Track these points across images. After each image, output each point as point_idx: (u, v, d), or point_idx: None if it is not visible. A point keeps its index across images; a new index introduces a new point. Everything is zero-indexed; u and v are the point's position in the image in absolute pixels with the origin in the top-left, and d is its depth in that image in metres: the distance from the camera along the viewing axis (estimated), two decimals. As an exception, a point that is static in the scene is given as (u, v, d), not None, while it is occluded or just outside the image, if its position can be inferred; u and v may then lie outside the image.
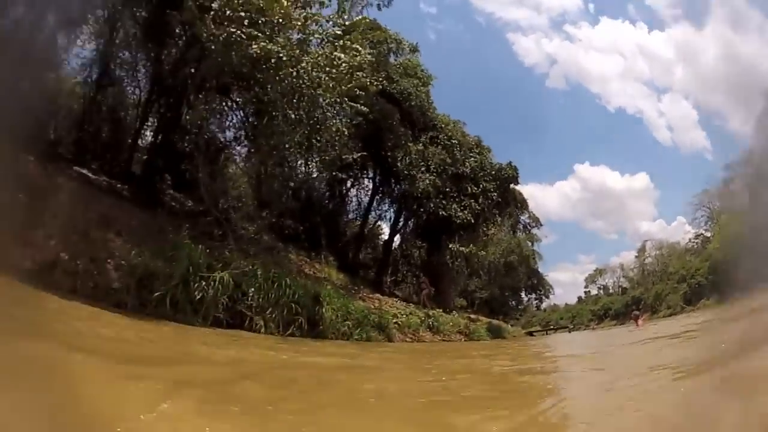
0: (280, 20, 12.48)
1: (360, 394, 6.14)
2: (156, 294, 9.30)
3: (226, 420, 4.12)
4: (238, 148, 18.46)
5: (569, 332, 48.46)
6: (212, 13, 11.84)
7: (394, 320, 15.72)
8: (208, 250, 10.93)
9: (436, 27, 70.48)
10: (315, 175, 20.43)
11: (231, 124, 17.55)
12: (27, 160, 10.10)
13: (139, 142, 18.01)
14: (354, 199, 26.93)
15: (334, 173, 19.66)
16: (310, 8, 13.57)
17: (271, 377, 6.60)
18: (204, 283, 9.97)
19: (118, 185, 14.98)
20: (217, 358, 7.42)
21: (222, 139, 17.95)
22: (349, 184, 25.93)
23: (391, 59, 23.71)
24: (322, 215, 23.45)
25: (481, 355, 14.18)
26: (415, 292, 23.88)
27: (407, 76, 23.91)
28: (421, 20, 63.27)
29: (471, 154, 25.66)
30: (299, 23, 12.88)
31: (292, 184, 17.86)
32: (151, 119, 17.70)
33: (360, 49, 14.18)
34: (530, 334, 42.00)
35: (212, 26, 11.70)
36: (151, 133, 17.74)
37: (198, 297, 9.80)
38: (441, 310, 20.48)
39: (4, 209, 8.47)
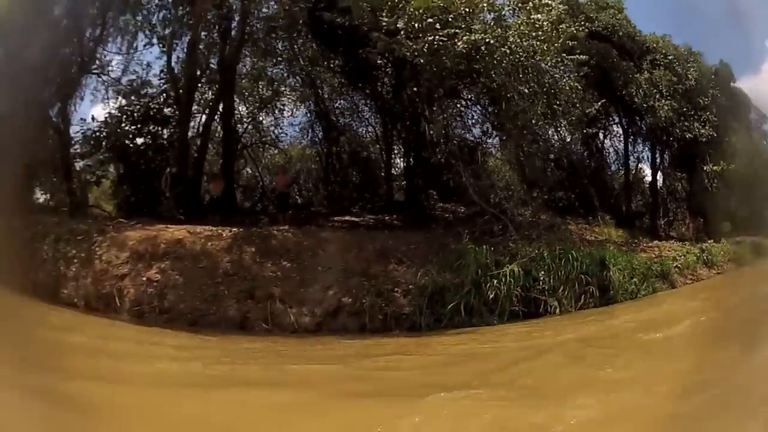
0: (466, 9, 12.37)
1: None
2: (449, 306, 9.65)
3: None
4: (490, 141, 18.42)
5: None
6: (401, 33, 12.13)
7: (674, 264, 14.62)
8: (492, 248, 11.11)
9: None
10: (569, 140, 19.63)
11: (474, 121, 17.70)
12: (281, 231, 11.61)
13: (393, 171, 19.30)
14: (611, 150, 25.07)
15: (584, 131, 18.44)
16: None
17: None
18: (495, 281, 10.10)
19: (386, 218, 16.07)
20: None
21: (471, 138, 18.12)
22: (601, 136, 24.23)
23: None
24: (588, 176, 22.32)
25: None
26: (685, 228, 21.55)
27: (601, 9, 21.89)
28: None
29: (688, 65, 22.43)
30: (485, 3, 12.62)
31: (551, 156, 17.40)
32: (395, 147, 18.93)
33: (550, 2, 13.47)
34: None
35: (409, 43, 11.94)
36: (401, 159, 19.00)
37: (491, 296, 9.95)
38: (711, 241, 18.25)
39: (266, 281, 9.82)
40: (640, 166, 26.15)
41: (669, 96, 21.09)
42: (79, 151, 16.12)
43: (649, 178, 25.57)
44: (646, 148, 24.70)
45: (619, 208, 23.10)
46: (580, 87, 15.36)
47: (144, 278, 10.11)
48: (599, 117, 21.24)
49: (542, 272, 10.76)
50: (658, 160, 24.63)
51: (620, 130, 24.19)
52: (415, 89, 14.71)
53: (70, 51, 16.09)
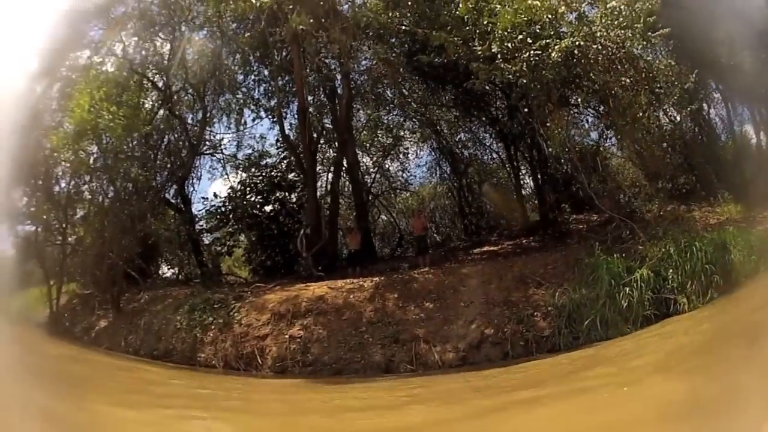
0: (549, 16, 12.36)
1: None
2: (586, 322, 9.64)
3: None
4: (608, 142, 18.57)
5: None
6: (498, 57, 12.23)
7: None
8: (623, 255, 10.97)
9: None
10: (678, 119, 18.74)
11: (589, 125, 17.91)
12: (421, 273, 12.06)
13: (523, 192, 19.77)
14: (717, 119, 23.46)
15: (689, 108, 17.89)
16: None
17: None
18: (627, 288, 9.96)
19: (523, 241, 16.45)
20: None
21: (590, 143, 18.28)
22: (705, 107, 22.60)
23: None
24: (702, 154, 21.22)
25: None
26: None
27: None
28: None
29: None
30: (562, 8, 12.58)
31: (666, 142, 16.54)
32: (521, 168, 19.31)
33: None
34: None
35: (507, 65, 12.00)
36: (530, 178, 19.30)
37: (625, 305, 9.81)
38: None
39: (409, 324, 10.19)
40: (744, 129, 24.98)
41: (749, 46, 19.34)
42: (205, 226, 17.04)
43: (754, 140, 23.86)
44: (745, 109, 23.13)
45: (735, 180, 21.19)
46: (673, 62, 15.09)
47: (287, 336, 10.56)
48: (698, 88, 19.94)
49: (670, 270, 10.51)
50: (757, 119, 22.91)
51: (720, 96, 22.91)
52: (526, 110, 14.81)
53: (176, 137, 16.97)
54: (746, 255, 11.55)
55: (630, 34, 12.66)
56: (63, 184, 15.11)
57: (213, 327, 11.46)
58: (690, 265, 10.61)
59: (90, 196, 15.22)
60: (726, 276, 10.84)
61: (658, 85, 14.00)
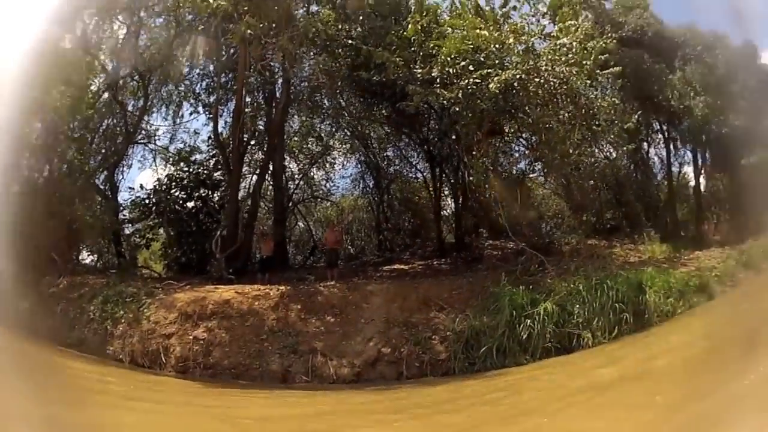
0: (497, 46, 12.56)
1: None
2: (482, 349, 9.87)
3: None
4: (533, 174, 18.75)
5: None
6: (437, 81, 12.41)
7: (713, 274, 13.92)
8: (530, 287, 11.24)
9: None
10: (614, 156, 19.28)
11: (519, 154, 17.99)
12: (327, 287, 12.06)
13: (443, 213, 19.71)
14: (655, 159, 24.34)
15: (628, 146, 18.17)
16: (510, 18, 13.45)
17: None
18: (529, 320, 10.16)
19: (435, 262, 16.49)
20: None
21: (517, 172, 18.38)
22: (645, 146, 23.59)
23: (607, 5, 21.51)
24: (635, 191, 21.85)
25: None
26: (709, 230, 20.70)
27: (628, 11, 21.49)
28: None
29: (717, 53, 21.64)
30: (510, 40, 12.70)
31: (595, 178, 17.38)
32: (444, 189, 19.43)
33: (573, 22, 13.33)
34: None
35: (444, 91, 12.17)
36: (451, 200, 19.45)
37: (525, 336, 10.01)
38: (751, 240, 17.09)
39: (308, 336, 10.30)
40: (683, 171, 25.43)
41: (704, 92, 20.29)
42: (128, 216, 16.77)
43: (693, 183, 24.58)
44: (688, 151, 23.90)
45: (664, 220, 22.43)
46: (618, 101, 15.34)
47: (191, 337, 10.58)
48: (640, 128, 20.73)
49: (577, 306, 10.69)
50: (699, 163, 23.70)
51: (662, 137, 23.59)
52: (453, 137, 14.96)
53: (114, 122, 16.71)
54: (663, 296, 11.83)
55: (576, 71, 12.80)
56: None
57: (123, 321, 11.35)
58: (599, 302, 10.78)
59: (27, 173, 14.82)
60: (638, 315, 11.08)
61: (597, 122, 14.22)
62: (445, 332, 10.33)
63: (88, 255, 17.25)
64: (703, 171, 24.07)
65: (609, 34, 15.36)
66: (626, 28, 20.40)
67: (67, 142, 14.63)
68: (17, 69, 14.70)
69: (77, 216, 14.57)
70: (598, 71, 13.60)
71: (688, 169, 24.95)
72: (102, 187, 16.97)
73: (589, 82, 13.78)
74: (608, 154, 18.49)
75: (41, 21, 15.21)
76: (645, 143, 23.46)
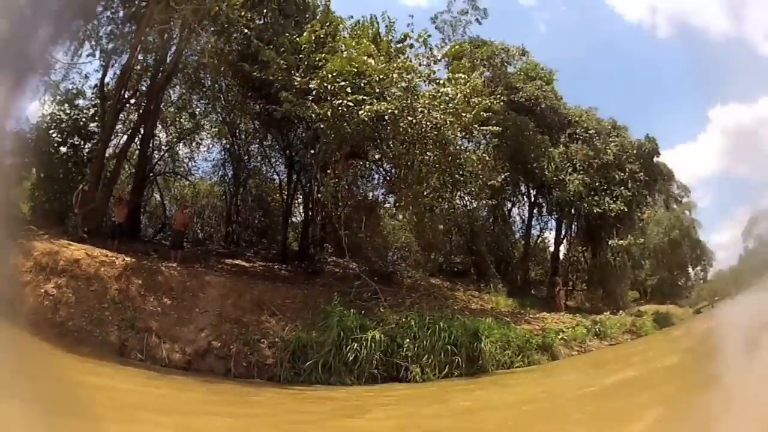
0: (380, 76, 12.99)
1: None
2: (308, 362, 10.13)
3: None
4: (388, 204, 19.17)
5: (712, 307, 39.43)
6: (313, 93, 12.71)
7: (560, 336, 15.07)
8: (363, 312, 11.62)
9: (542, 17, 63.91)
10: (474, 206, 20.03)
11: (378, 182, 18.50)
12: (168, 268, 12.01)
13: (291, 219, 19.89)
14: (517, 218, 26.37)
15: (488, 201, 19.24)
16: (403, 54, 14.05)
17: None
18: (356, 344, 10.45)
19: (276, 266, 16.52)
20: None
21: (372, 198, 18.98)
22: (509, 205, 25.56)
23: (510, 69, 23.14)
24: (488, 243, 23.15)
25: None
26: (559, 298, 21.12)
27: (530, 79, 23.20)
28: (527, 14, 58.17)
29: (610, 139, 23.79)
30: (395, 75, 13.15)
31: (448, 222, 17.47)
32: (297, 197, 19.63)
33: (463, 76, 14.18)
34: (698, 312, 35.97)
35: (315, 106, 12.52)
36: (302, 210, 19.65)
37: (351, 358, 10.33)
38: (609, 312, 18.91)
39: (146, 314, 10.29)
40: (544, 236, 27.41)
41: (582, 170, 22.05)
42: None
43: (552, 248, 26.59)
44: (552, 219, 25.61)
45: (515, 276, 23.73)
46: (488, 158, 16.00)
47: (42, 290, 10.04)
48: (506, 187, 21.91)
49: (407, 339, 11.11)
50: (563, 232, 25.64)
51: (527, 201, 25.18)
52: (312, 151, 15.21)
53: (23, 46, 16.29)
54: (500, 348, 12.54)
55: (451, 120, 13.38)
56: None
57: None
58: (430, 341, 11.29)
59: None
60: (472, 360, 11.74)
61: (461, 172, 14.78)
62: (274, 338, 10.57)
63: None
64: (565, 240, 26.04)
65: (499, 96, 16.53)
66: (520, 95, 21.70)
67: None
68: None
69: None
70: (476, 126, 14.38)
71: (549, 235, 26.99)
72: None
73: (462, 134, 14.58)
74: (468, 203, 19.05)
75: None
76: (509, 202, 25.18)
